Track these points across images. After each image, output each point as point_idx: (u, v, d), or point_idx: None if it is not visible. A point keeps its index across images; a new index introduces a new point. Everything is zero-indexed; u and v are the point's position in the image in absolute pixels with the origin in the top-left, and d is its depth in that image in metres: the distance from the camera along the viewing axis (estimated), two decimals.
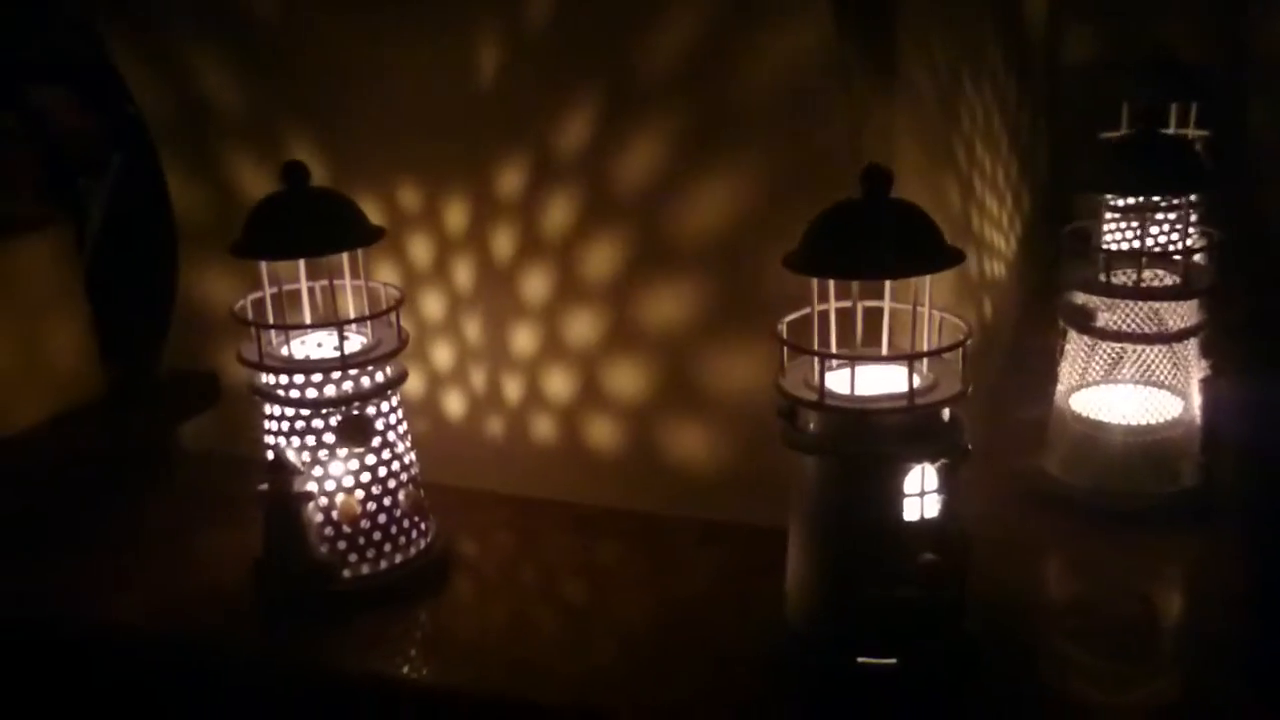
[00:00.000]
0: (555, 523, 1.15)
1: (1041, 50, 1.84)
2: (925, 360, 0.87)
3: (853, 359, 0.85)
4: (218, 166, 1.21)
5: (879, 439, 0.85)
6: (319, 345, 1.00)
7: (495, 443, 1.19)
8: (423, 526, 1.04)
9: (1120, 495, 1.09)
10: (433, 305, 1.17)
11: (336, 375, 0.97)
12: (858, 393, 0.85)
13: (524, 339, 1.14)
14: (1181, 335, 1.06)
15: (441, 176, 1.13)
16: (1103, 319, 1.07)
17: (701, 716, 0.88)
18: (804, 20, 0.98)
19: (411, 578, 1.02)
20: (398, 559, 1.02)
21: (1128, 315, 1.07)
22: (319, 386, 0.97)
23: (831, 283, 0.86)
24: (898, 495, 0.85)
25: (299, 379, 0.97)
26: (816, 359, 0.85)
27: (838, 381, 0.85)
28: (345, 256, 1.00)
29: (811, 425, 0.87)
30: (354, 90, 1.13)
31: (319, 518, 0.99)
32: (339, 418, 0.97)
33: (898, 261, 0.83)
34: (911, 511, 0.86)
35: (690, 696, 0.90)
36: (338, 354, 0.97)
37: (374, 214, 1.15)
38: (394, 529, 1.01)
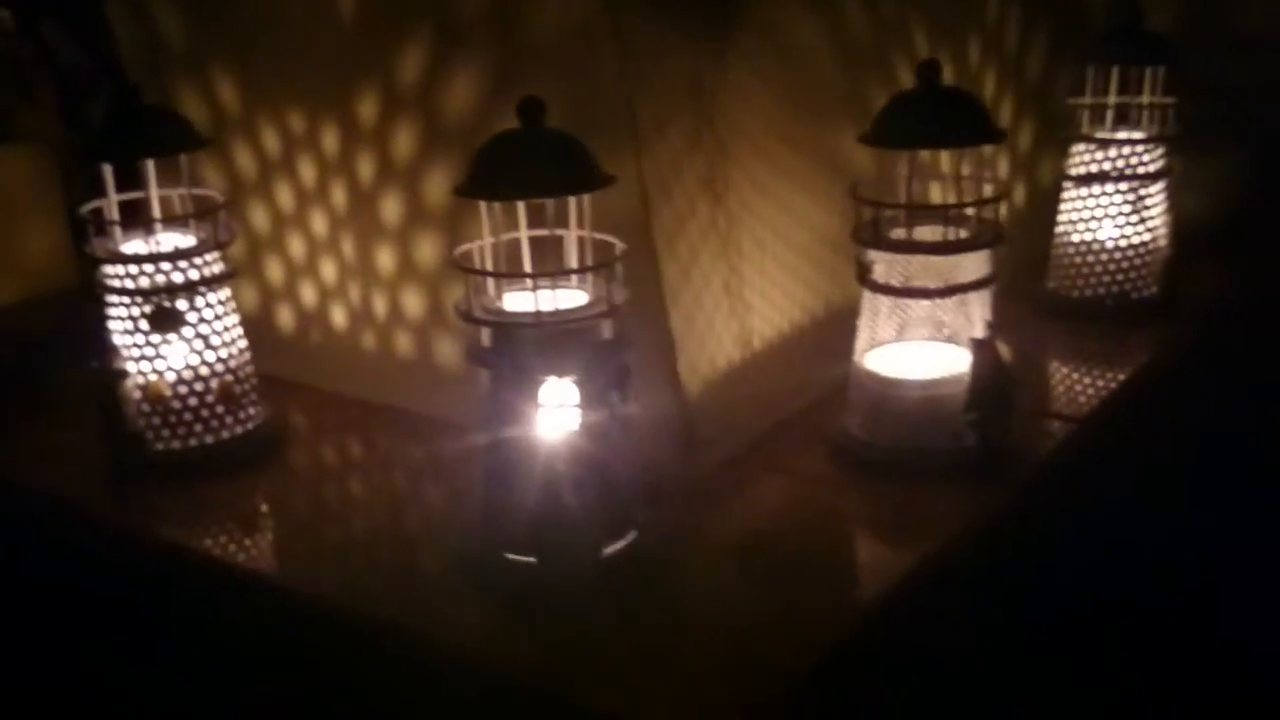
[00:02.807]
0: (403, 431, 1.24)
1: (1102, 18, 1.76)
2: (591, 280, 0.92)
3: (499, 277, 0.91)
4: (170, 98, 1.36)
5: (520, 353, 0.90)
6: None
7: (369, 354, 1.30)
8: (241, 415, 1.16)
9: (906, 452, 1.08)
10: (319, 224, 1.29)
11: (150, 269, 1.11)
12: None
13: (386, 259, 1.24)
14: (950, 291, 1.04)
15: (318, 108, 1.24)
16: (880, 273, 1.06)
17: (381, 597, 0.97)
18: None
19: (220, 458, 1.15)
20: (208, 439, 1.14)
21: (903, 269, 1.06)
22: (135, 279, 1.11)
23: (521, 206, 0.93)
24: (534, 406, 0.90)
25: (120, 270, 1.11)
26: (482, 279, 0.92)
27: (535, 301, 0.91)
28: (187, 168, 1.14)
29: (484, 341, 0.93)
30: (258, 30, 1.26)
31: (136, 395, 1.13)
32: (150, 308, 1.11)
33: (546, 184, 0.88)
34: (549, 423, 0.91)
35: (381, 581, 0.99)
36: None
37: (271, 141, 1.29)
38: (205, 413, 1.14)
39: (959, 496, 1.04)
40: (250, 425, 1.17)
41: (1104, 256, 1.38)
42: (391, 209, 1.22)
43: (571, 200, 0.92)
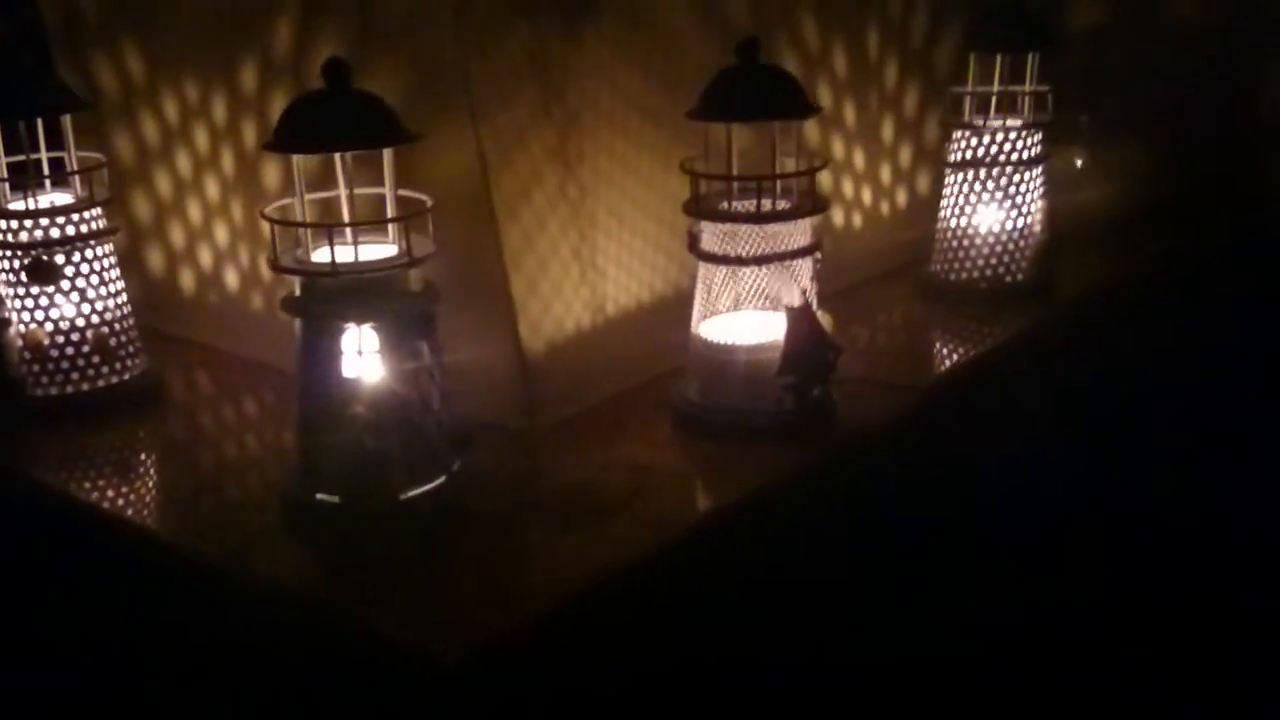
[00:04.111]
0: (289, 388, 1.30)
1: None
2: (398, 234, 0.98)
3: (317, 227, 0.97)
4: (86, 69, 1.43)
5: (323, 301, 0.96)
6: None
7: (259, 315, 1.36)
8: (117, 365, 1.23)
9: (735, 414, 1.12)
10: (212, 189, 1.35)
11: (29, 224, 1.18)
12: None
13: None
14: (766, 259, 1.08)
15: (209, 78, 1.30)
16: (710, 243, 1.11)
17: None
18: None
19: (95, 405, 1.21)
20: (84, 387, 1.21)
21: (737, 239, 1.10)
22: (15, 233, 1.18)
23: (339, 164, 0.98)
24: (336, 352, 0.96)
25: (1, 225, 1.18)
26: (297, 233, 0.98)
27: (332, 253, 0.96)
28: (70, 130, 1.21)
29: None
30: (155, 4, 1.33)
31: (19, 343, 1.20)
32: (28, 260, 1.18)
33: (344, 139, 0.94)
34: (350, 368, 0.96)
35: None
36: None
37: (172, 109, 1.36)
38: (81, 362, 1.21)
39: (767, 456, 1.08)
40: (127, 376, 1.24)
41: (979, 241, 1.42)
42: (272, 175, 1.28)
43: (385, 158, 0.97)
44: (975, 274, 1.43)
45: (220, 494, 1.11)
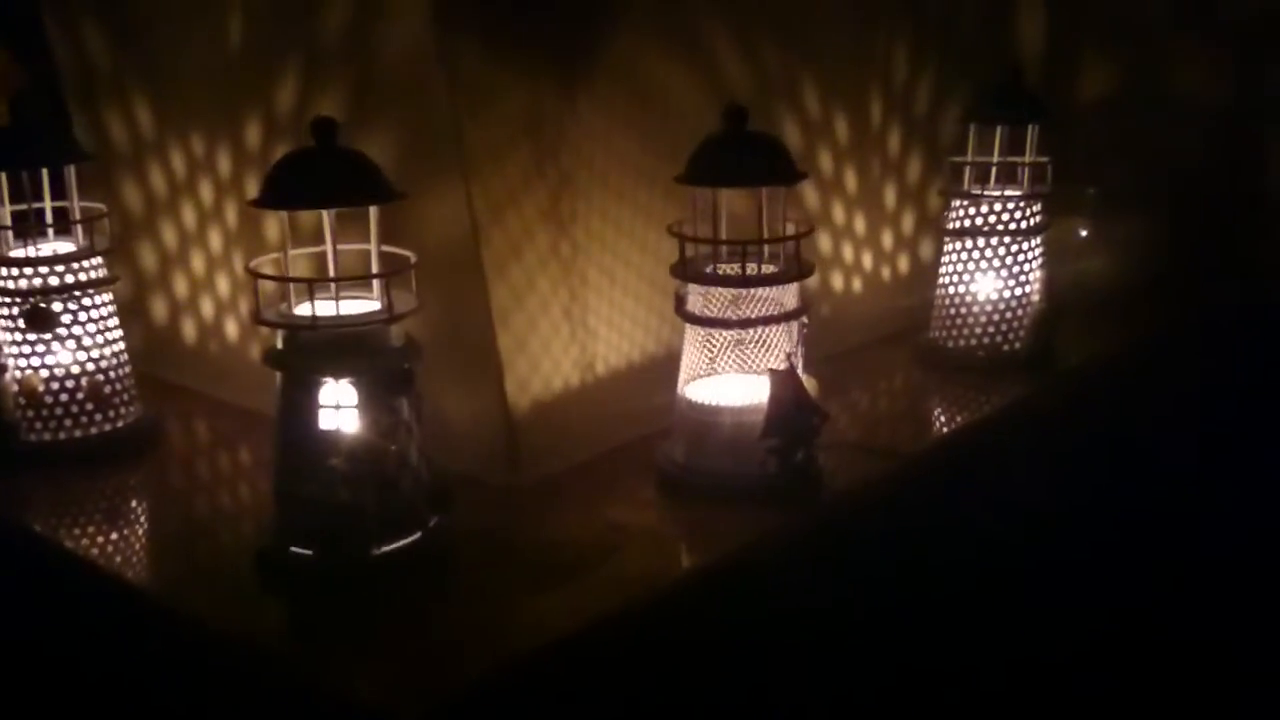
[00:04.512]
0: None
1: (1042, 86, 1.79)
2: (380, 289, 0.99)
3: (298, 281, 0.98)
4: (99, 120, 1.46)
5: (303, 355, 0.97)
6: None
7: (257, 366, 1.36)
8: (110, 414, 1.24)
9: (720, 477, 1.12)
10: (215, 242, 1.37)
11: (29, 272, 1.19)
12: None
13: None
14: (750, 322, 1.09)
15: (215, 132, 1.32)
16: (697, 305, 1.11)
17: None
18: (411, 14, 1.10)
19: (87, 452, 1.22)
20: (76, 434, 1.22)
21: (724, 302, 1.10)
22: (14, 280, 1.20)
23: (327, 221, 0.99)
24: (314, 406, 0.97)
25: (1, 272, 1.20)
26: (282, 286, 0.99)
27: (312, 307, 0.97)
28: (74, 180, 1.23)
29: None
30: (167, 59, 1.36)
31: (14, 388, 1.21)
32: (26, 308, 1.20)
33: (329, 196, 0.95)
34: (328, 421, 0.97)
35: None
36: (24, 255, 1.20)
37: (178, 163, 1.38)
38: (75, 408, 1.22)
39: (748, 519, 1.07)
40: (121, 423, 1.25)
41: (976, 309, 1.42)
42: (273, 228, 1.30)
43: (371, 215, 0.99)
44: (973, 342, 1.42)
45: (203, 544, 1.12)
